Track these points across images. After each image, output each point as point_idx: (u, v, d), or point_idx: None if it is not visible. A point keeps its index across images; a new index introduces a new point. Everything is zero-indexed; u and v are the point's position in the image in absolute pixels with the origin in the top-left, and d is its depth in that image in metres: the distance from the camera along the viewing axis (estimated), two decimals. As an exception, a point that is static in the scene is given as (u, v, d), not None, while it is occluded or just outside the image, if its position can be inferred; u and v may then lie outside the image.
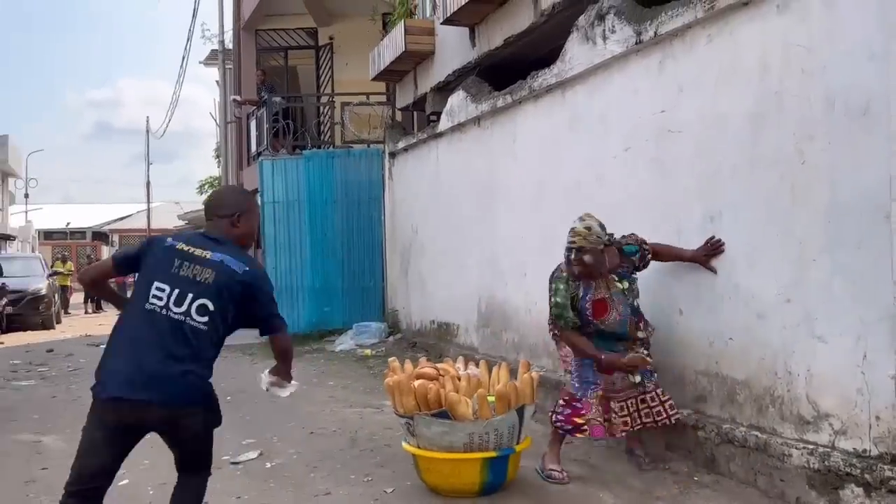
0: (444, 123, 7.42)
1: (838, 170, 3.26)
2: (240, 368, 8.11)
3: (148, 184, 34.38)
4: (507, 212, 6.26)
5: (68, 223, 41.04)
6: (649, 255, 4.05)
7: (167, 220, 32.54)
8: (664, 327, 4.27)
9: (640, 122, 4.55)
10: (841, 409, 3.26)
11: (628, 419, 3.85)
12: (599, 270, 3.83)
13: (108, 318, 17.52)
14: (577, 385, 3.91)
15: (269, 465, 4.48)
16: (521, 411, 3.72)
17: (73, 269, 20.56)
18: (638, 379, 3.84)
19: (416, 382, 3.74)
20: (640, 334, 3.92)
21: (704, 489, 3.69)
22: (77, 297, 21.84)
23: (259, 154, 11.88)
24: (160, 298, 2.58)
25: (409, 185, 8.71)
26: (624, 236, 4.08)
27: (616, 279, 3.88)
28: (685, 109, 4.18)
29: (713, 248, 3.90)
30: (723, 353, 3.91)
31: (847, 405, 3.23)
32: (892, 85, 2.99)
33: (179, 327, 2.56)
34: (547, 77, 5.51)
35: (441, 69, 7.95)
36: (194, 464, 2.76)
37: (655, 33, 4.33)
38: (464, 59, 7.36)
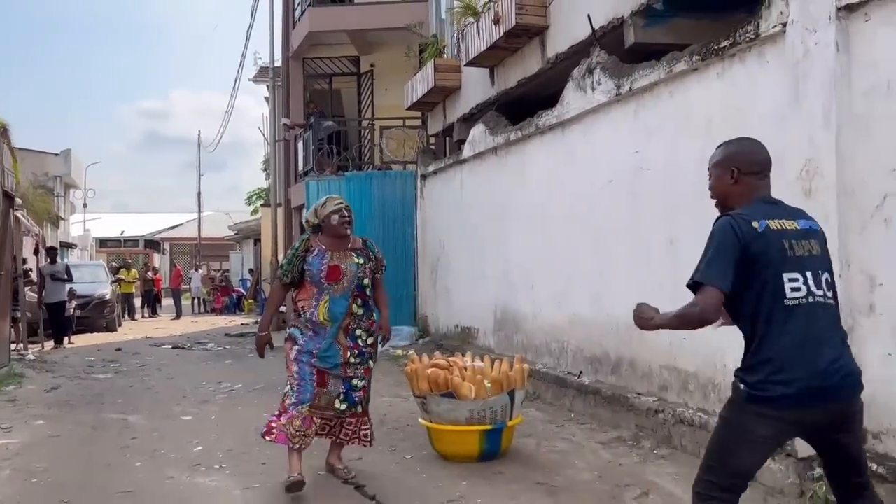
0: (467, 151, 8.43)
1: (757, 206, 4.15)
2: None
3: (199, 195, 36.05)
4: (517, 232, 7.22)
5: (122, 232, 43.11)
6: (377, 274, 4.34)
7: (217, 229, 34.11)
8: (637, 331, 5.17)
9: (620, 160, 5.48)
10: (759, 394, 4.14)
11: (324, 430, 4.22)
12: (349, 236, 4.22)
13: (164, 322, 18.94)
14: (294, 397, 4.11)
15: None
16: (512, 394, 4.68)
17: (137, 276, 21.57)
18: (342, 407, 4.16)
19: (429, 370, 4.73)
20: (355, 308, 4.16)
21: (660, 459, 4.59)
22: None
23: (306, 173, 13.06)
24: (799, 288, 2.32)
25: (437, 205, 9.72)
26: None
27: (354, 255, 4.19)
28: (653, 151, 5.11)
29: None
30: (679, 350, 4.82)
31: (763, 391, 4.11)
32: (790, 141, 3.88)
33: (830, 310, 2.38)
34: (549, 117, 6.47)
35: (466, 102, 8.96)
36: (864, 468, 2.50)
37: (631, 87, 5.27)
38: (485, 95, 8.36)
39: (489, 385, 4.63)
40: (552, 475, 4.35)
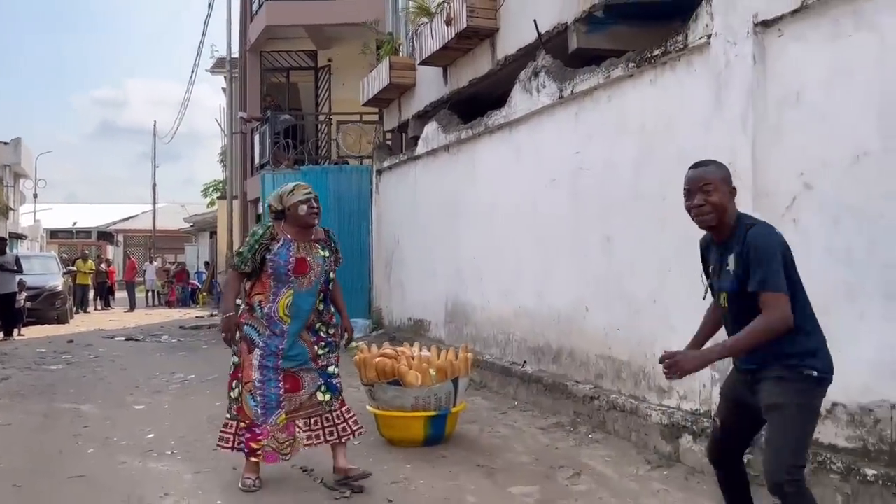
0: (421, 148, 8.63)
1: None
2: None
3: (154, 186, 35.54)
4: (467, 228, 7.46)
5: (75, 223, 42.23)
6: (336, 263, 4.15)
7: (172, 221, 33.71)
8: (576, 323, 5.48)
9: (562, 160, 5.75)
10: (684, 381, 4.44)
11: (312, 434, 4.00)
12: (316, 227, 4.01)
13: (117, 315, 18.73)
14: (259, 409, 3.90)
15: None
16: (456, 382, 4.91)
17: (93, 267, 21.16)
18: (327, 398, 4.00)
19: (377, 359, 4.93)
20: (319, 305, 3.99)
21: (594, 444, 4.87)
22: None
23: (262, 166, 13.11)
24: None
25: (392, 201, 9.90)
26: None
27: (319, 247, 3.98)
28: (592, 153, 5.38)
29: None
30: (614, 340, 5.11)
31: (688, 378, 4.41)
32: (714, 146, 4.17)
33: None
34: (498, 117, 6.71)
35: (420, 100, 9.15)
36: None
37: (573, 91, 5.54)
38: (438, 93, 8.56)
39: (434, 373, 4.85)
40: (492, 458, 4.60)
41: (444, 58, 7.89)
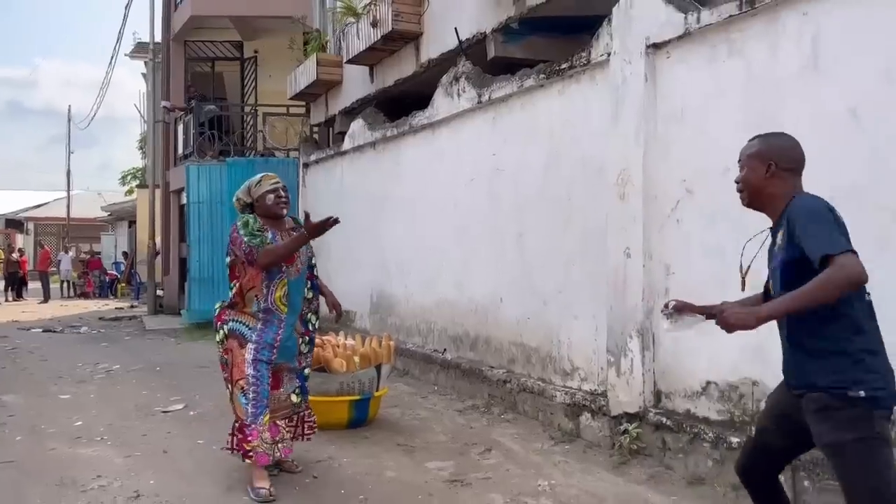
0: (348, 144, 8.88)
1: (587, 209, 4.92)
2: (166, 347, 9.38)
3: (69, 173, 34.22)
4: (392, 223, 7.78)
5: (-21, 209, 40.11)
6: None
7: (88, 209, 32.54)
8: (492, 312, 5.91)
9: (481, 161, 6.15)
10: (585, 365, 4.93)
11: (293, 430, 4.15)
12: (287, 213, 4.01)
13: (31, 306, 18.14)
14: (251, 407, 3.82)
15: (191, 413, 5.84)
16: (379, 368, 5.25)
17: (3, 257, 20.36)
18: (298, 400, 4.13)
19: (304, 347, 5.20)
20: (308, 293, 4.07)
21: (505, 423, 5.31)
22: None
23: (186, 156, 13.03)
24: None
25: (319, 194, 10.11)
26: None
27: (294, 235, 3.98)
28: (507, 155, 5.80)
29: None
30: (524, 328, 5.55)
31: (588, 362, 4.90)
32: (611, 154, 4.65)
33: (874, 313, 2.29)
34: (421, 118, 7.06)
35: (347, 97, 9.39)
36: None
37: (490, 97, 5.93)
38: (365, 91, 8.83)
39: (358, 360, 5.18)
40: (412, 438, 4.96)
41: (371, 58, 8.16)
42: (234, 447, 3.95)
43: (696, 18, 4.07)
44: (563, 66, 5.10)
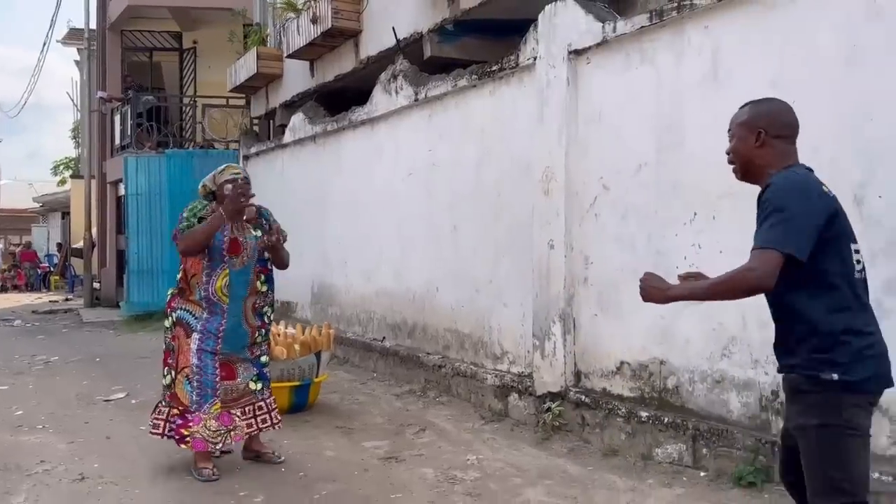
0: (288, 137, 9.02)
1: (515, 203, 5.24)
2: (104, 338, 9.36)
3: (-4, 163, 32.93)
4: (333, 215, 7.98)
5: None
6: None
7: (17, 200, 31.47)
8: (428, 301, 6.20)
9: (418, 156, 6.41)
10: (513, 349, 5.26)
11: (252, 422, 4.12)
12: (248, 206, 4.05)
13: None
14: (195, 395, 3.92)
15: (133, 401, 5.95)
16: (318, 355, 5.47)
17: None
18: (259, 386, 4.15)
19: (246, 335, 5.38)
20: (259, 285, 4.09)
21: (440, 405, 5.60)
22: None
23: (123, 147, 12.89)
24: (859, 262, 2.13)
25: (259, 186, 10.06)
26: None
27: (251, 228, 4.07)
28: (443, 151, 6.08)
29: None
30: (458, 315, 5.85)
31: (516, 346, 5.24)
32: (537, 152, 4.97)
33: (867, 292, 2.15)
34: (361, 114, 7.27)
35: (288, 90, 9.51)
36: None
37: (426, 95, 6.20)
38: (305, 85, 8.97)
39: (298, 348, 5.39)
40: (350, 420, 5.22)
41: (311, 53, 8.31)
42: (166, 433, 4.01)
43: (613, 28, 4.41)
44: (494, 68, 5.40)
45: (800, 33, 3.52)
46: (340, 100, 8.28)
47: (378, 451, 4.49)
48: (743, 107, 2.31)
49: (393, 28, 6.74)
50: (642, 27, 4.23)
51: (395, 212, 6.77)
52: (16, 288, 21.78)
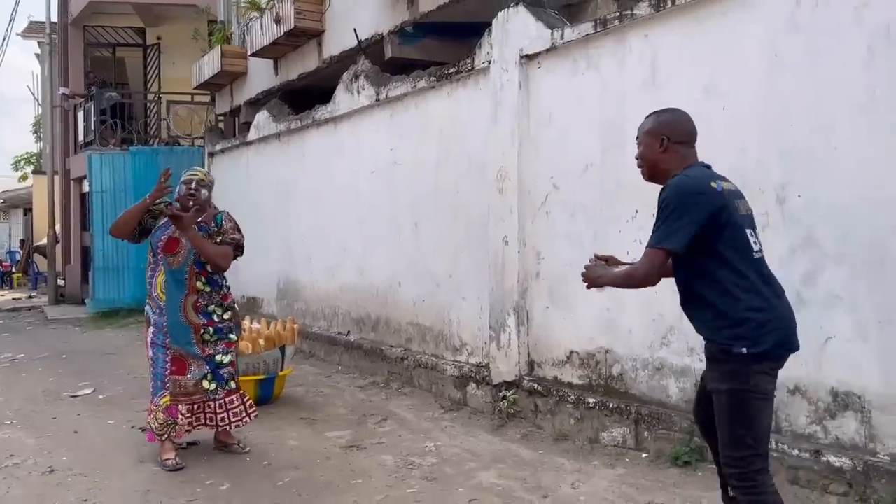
0: (253, 134, 9.12)
1: (472, 202, 5.45)
2: (70, 335, 9.39)
3: (-46, 158, 32.23)
4: (298, 212, 8.13)
5: None
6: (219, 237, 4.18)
7: (-24, 196, 30.79)
8: (391, 296, 6.39)
9: (380, 155, 6.59)
10: (471, 341, 5.49)
11: (193, 420, 4.17)
12: (200, 208, 4.10)
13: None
14: (152, 385, 4.18)
15: (101, 396, 6.05)
16: (283, 349, 5.64)
17: None
18: (212, 386, 4.19)
19: (212, 331, 5.53)
20: (200, 286, 4.12)
21: (402, 396, 5.81)
22: None
23: (87, 144, 12.83)
24: (756, 243, 2.43)
25: (224, 183, 10.23)
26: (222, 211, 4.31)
27: (196, 229, 4.06)
28: (404, 150, 6.27)
29: None
30: (420, 309, 6.06)
31: (474, 338, 5.46)
32: (492, 152, 5.19)
33: (767, 269, 2.47)
34: (324, 112, 7.42)
35: (252, 88, 9.60)
36: None
37: (387, 95, 6.38)
38: (270, 83, 9.08)
39: (263, 342, 5.55)
40: (314, 412, 5.40)
41: (275, 51, 8.42)
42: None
43: (561, 35, 4.64)
44: (451, 70, 5.60)
45: (729, 43, 3.77)
46: (305, 98, 8.42)
47: (340, 440, 4.68)
48: (648, 117, 2.64)
49: (354, 30, 6.90)
50: (588, 34, 4.47)
51: (359, 209, 6.94)
52: (-23, 286, 21.45)
